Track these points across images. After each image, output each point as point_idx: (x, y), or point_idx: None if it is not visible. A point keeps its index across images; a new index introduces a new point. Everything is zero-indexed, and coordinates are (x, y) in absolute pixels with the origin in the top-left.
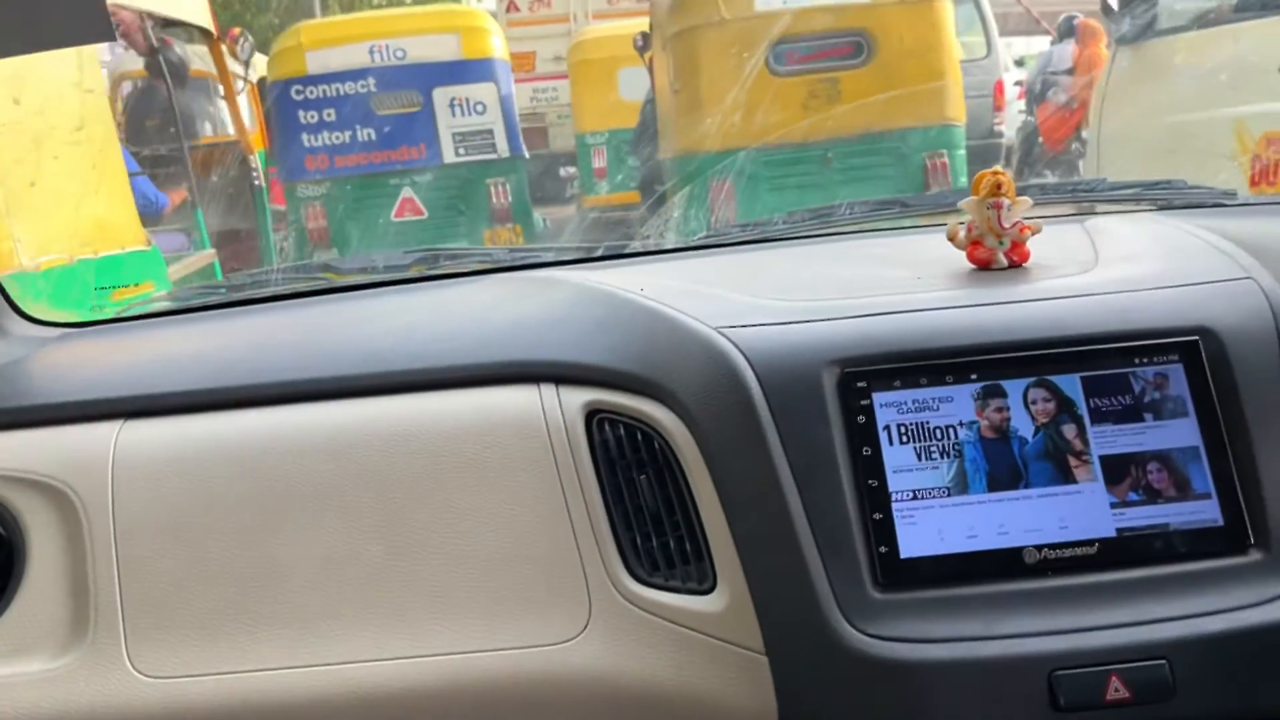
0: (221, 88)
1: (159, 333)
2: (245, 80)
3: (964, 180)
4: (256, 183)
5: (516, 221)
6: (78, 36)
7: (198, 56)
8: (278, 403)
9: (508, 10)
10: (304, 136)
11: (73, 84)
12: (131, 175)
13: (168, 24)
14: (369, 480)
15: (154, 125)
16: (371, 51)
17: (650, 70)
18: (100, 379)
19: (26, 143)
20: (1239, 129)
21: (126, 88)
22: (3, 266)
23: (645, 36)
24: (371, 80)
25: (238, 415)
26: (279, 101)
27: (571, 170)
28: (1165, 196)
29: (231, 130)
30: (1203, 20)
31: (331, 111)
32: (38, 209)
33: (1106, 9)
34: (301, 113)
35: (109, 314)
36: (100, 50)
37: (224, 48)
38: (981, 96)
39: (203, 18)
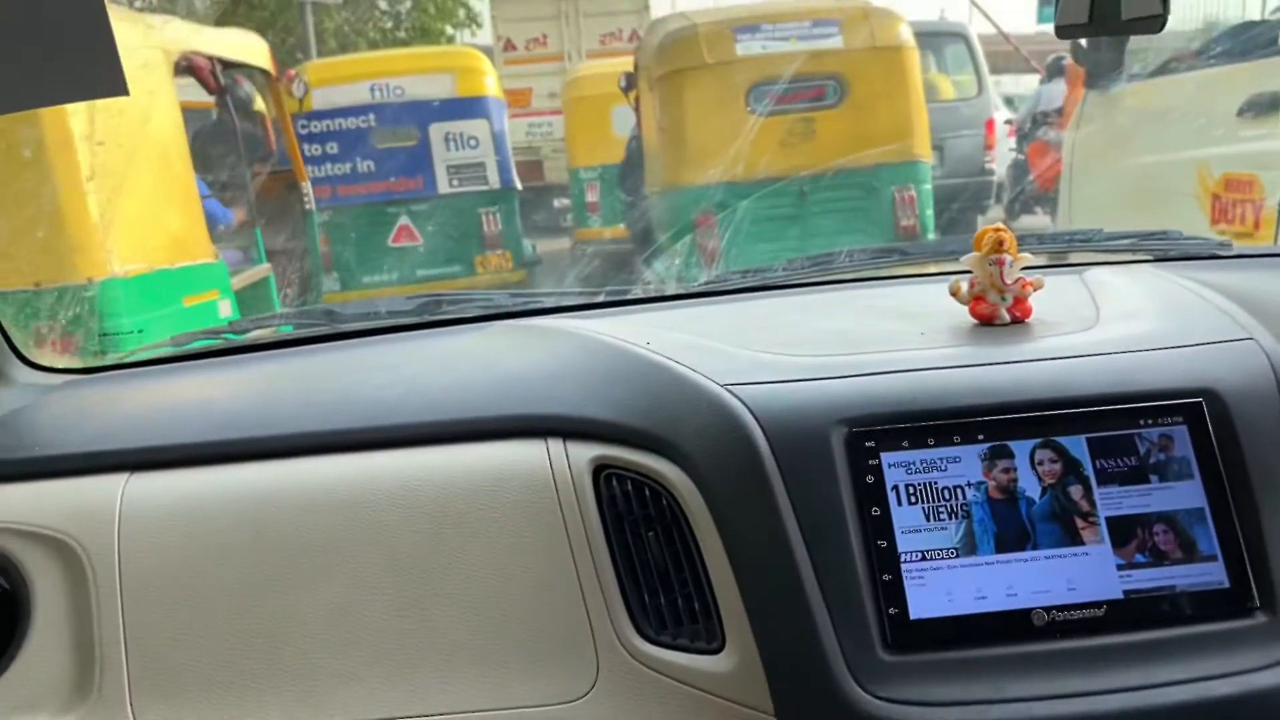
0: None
1: (164, 381)
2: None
3: (929, 212)
4: (307, 206)
5: (506, 248)
6: (93, 91)
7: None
8: (284, 455)
9: (505, 49)
10: (309, 168)
11: (157, 114)
12: (202, 198)
13: (233, 66)
14: (375, 536)
15: (219, 154)
16: (372, 89)
17: (635, 108)
18: (106, 430)
19: (120, 164)
20: (1200, 170)
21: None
22: (99, 272)
23: (629, 76)
24: (372, 116)
25: (244, 468)
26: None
27: (565, 201)
28: (1161, 247)
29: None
30: (1166, 67)
31: (334, 145)
32: (126, 223)
33: (1077, 55)
34: (306, 146)
35: (113, 360)
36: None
37: (281, 87)
38: (973, 135)
39: (264, 61)
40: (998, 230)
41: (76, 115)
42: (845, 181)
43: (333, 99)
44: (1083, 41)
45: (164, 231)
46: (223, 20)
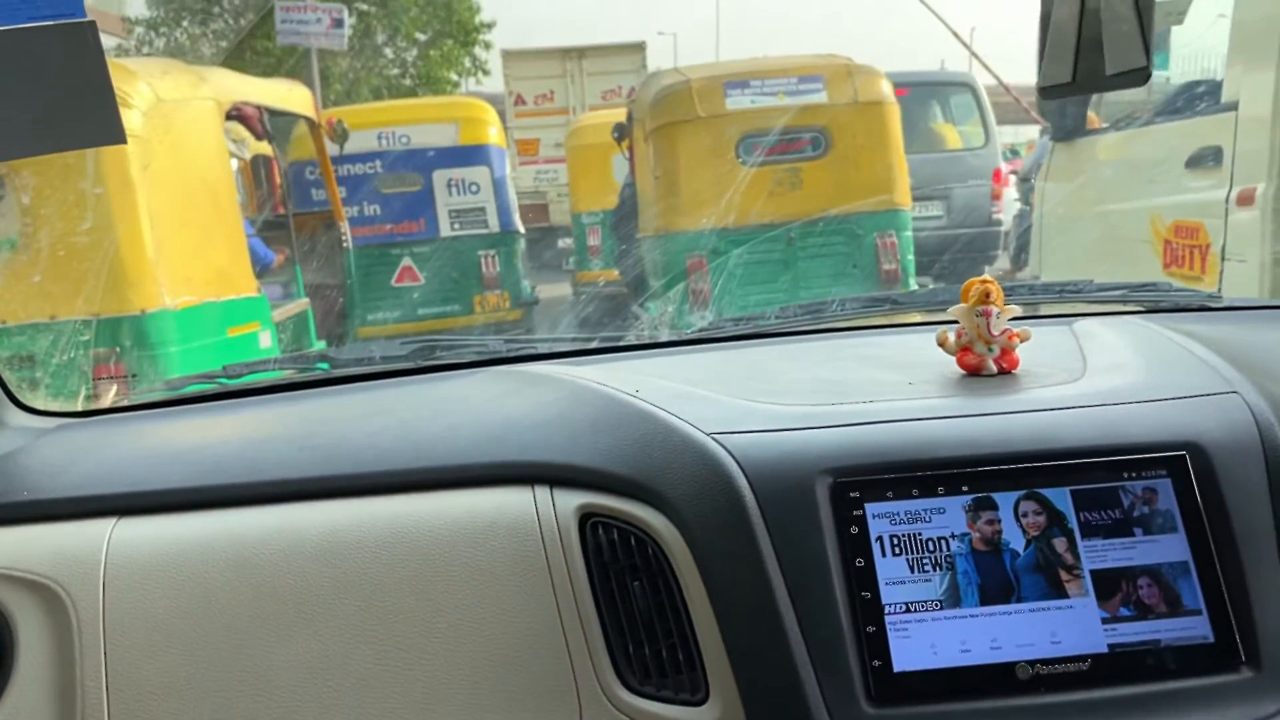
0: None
1: (155, 425)
2: (237, 158)
3: (910, 257)
4: (345, 245)
5: (504, 289)
6: (92, 139)
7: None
8: (273, 501)
9: (516, 103)
10: (315, 210)
11: (208, 158)
12: (247, 237)
13: (280, 114)
14: (362, 583)
15: (262, 195)
16: (379, 137)
17: (629, 157)
18: (95, 474)
19: (173, 204)
20: (1153, 218)
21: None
22: (151, 303)
23: (621, 126)
24: (378, 163)
25: (232, 513)
26: (296, 180)
27: (569, 241)
28: (1151, 299)
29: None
30: (1122, 122)
31: (343, 189)
32: (178, 259)
33: (1043, 110)
34: (314, 190)
35: (105, 404)
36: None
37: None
38: (980, 184)
39: (309, 109)
40: (984, 282)
41: (136, 157)
42: (831, 229)
43: (356, 144)
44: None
45: (211, 267)
46: (228, 65)
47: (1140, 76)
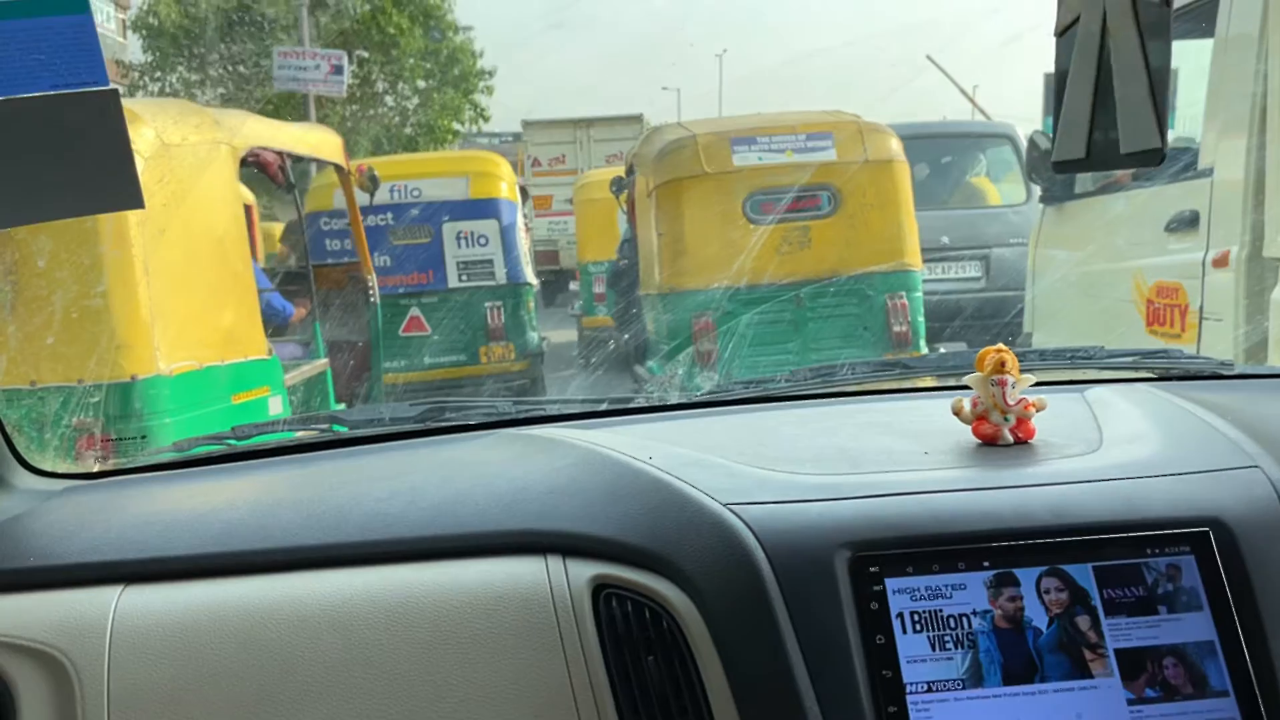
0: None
1: (163, 488)
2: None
3: (920, 319)
4: (372, 300)
5: (509, 340)
6: (110, 204)
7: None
8: (281, 570)
9: (532, 165)
10: (329, 262)
11: (217, 207)
12: (262, 291)
13: (306, 160)
14: (369, 655)
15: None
16: (392, 190)
17: (629, 212)
18: (102, 540)
19: (176, 257)
20: (1137, 279)
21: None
22: (144, 369)
23: (620, 181)
24: (390, 215)
25: (240, 582)
26: (310, 231)
27: (577, 285)
28: (1162, 366)
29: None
30: (1108, 186)
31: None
32: (178, 318)
33: (1032, 174)
34: (328, 241)
35: (113, 466)
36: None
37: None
38: (1021, 243)
39: (338, 156)
40: (999, 350)
41: (134, 212)
42: (841, 289)
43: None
44: (1042, 153)
45: (216, 327)
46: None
47: (1154, 157)
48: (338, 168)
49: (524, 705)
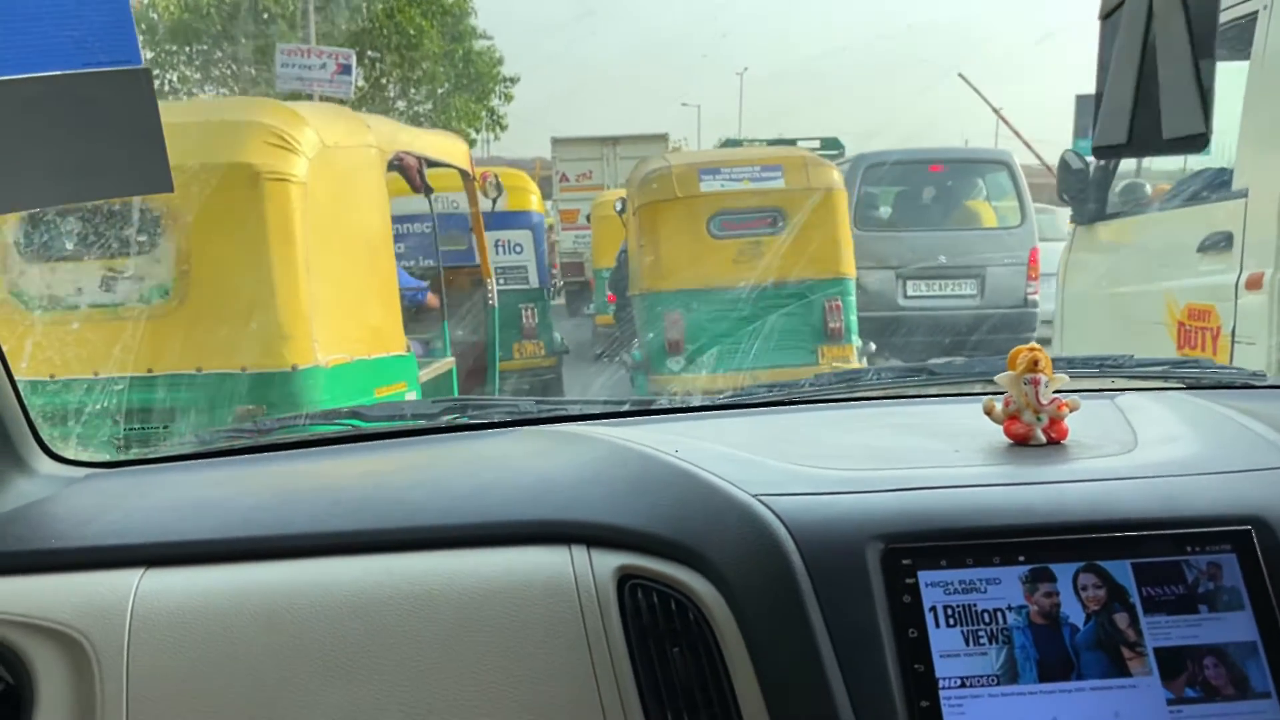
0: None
1: (185, 476)
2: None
3: (853, 318)
4: (491, 303)
5: (540, 338)
6: (141, 187)
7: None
8: (303, 555)
9: (560, 180)
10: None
11: (369, 209)
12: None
13: (438, 165)
14: (393, 641)
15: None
16: (436, 201)
17: (626, 227)
18: (124, 524)
19: (332, 256)
20: (1168, 300)
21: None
22: (304, 360)
23: (623, 201)
24: (435, 224)
25: (262, 567)
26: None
27: None
28: (1194, 375)
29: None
30: (1139, 206)
31: (401, 246)
32: (333, 314)
33: (1061, 192)
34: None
35: (135, 455)
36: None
37: (476, 187)
38: (1015, 263)
39: (464, 161)
40: (1033, 349)
41: (299, 206)
42: (786, 292)
43: (398, 208)
44: (1073, 173)
45: (365, 323)
46: None
47: (1198, 142)
48: (464, 173)
49: (547, 695)
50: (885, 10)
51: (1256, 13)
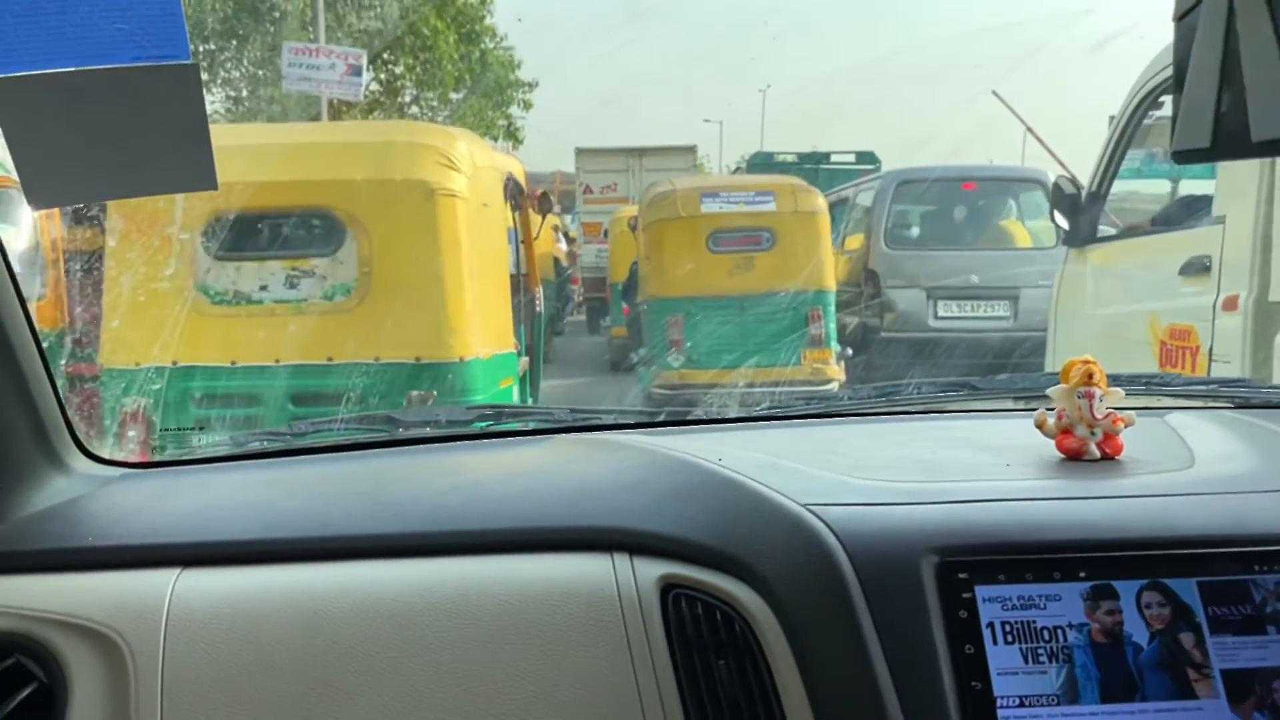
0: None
1: (221, 478)
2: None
3: (832, 325)
4: (538, 309)
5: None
6: (185, 184)
7: None
8: (341, 558)
9: (584, 192)
10: None
11: (497, 219)
12: None
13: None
14: (429, 647)
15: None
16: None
17: (638, 242)
18: (160, 524)
19: (478, 263)
20: (1152, 321)
21: None
22: (468, 353)
23: (635, 219)
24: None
25: (299, 569)
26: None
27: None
28: (1242, 394)
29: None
30: (1127, 230)
31: None
32: (481, 312)
33: (1054, 214)
34: None
35: (170, 456)
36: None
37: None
38: (1050, 285)
39: (521, 176)
40: (1087, 362)
41: (463, 216)
42: (774, 301)
43: None
44: (1065, 197)
45: (496, 322)
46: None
47: None
48: (517, 185)
49: (588, 706)
50: (929, 20)
51: None
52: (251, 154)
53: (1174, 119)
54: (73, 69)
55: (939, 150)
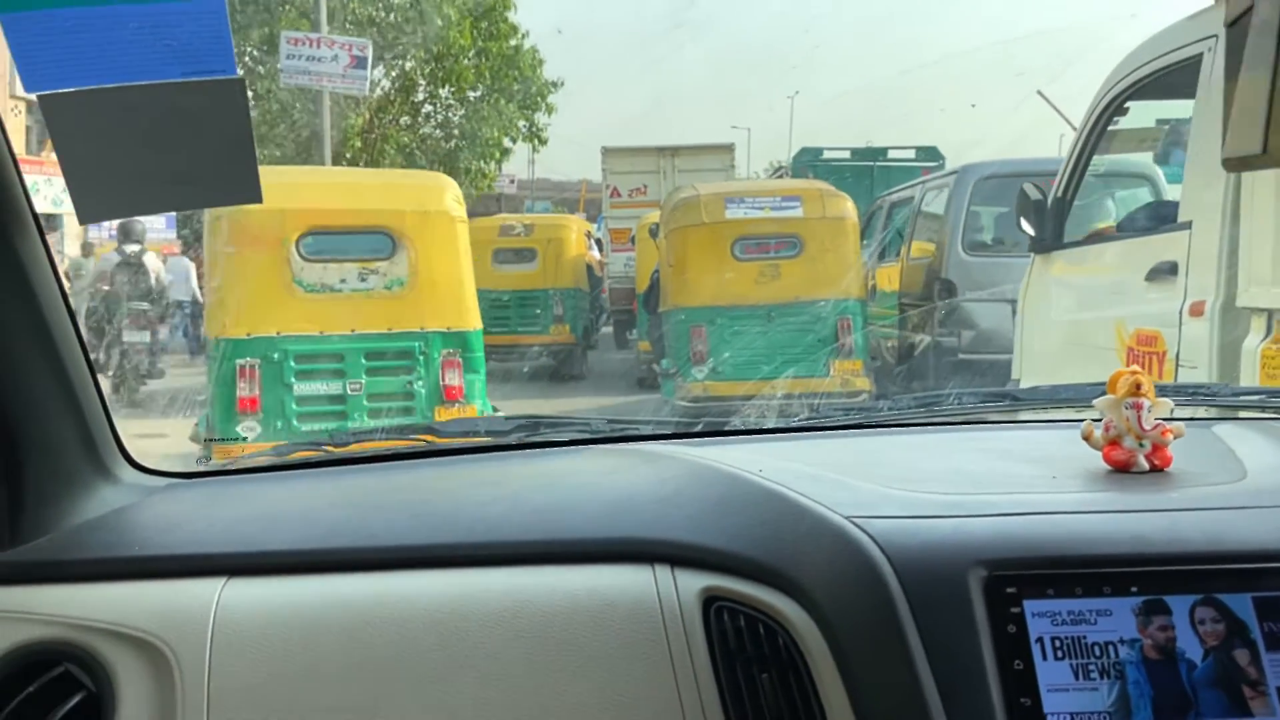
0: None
1: (265, 488)
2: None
3: (862, 335)
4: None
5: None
6: (232, 198)
7: None
8: (384, 568)
9: (611, 195)
10: None
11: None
12: None
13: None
14: (473, 658)
15: None
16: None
17: (659, 250)
18: (206, 534)
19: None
20: (1118, 327)
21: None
22: (474, 325)
23: (657, 227)
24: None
25: (343, 579)
26: None
27: None
28: None
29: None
30: (1093, 236)
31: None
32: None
33: (1020, 222)
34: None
35: (214, 466)
36: None
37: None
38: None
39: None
40: (1134, 373)
41: (465, 237)
42: (801, 310)
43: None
44: (1031, 202)
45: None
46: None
47: None
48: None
49: (631, 718)
50: (968, 29)
51: (1202, 54)
52: (328, 188)
53: (1224, 124)
54: (121, 84)
55: (985, 153)
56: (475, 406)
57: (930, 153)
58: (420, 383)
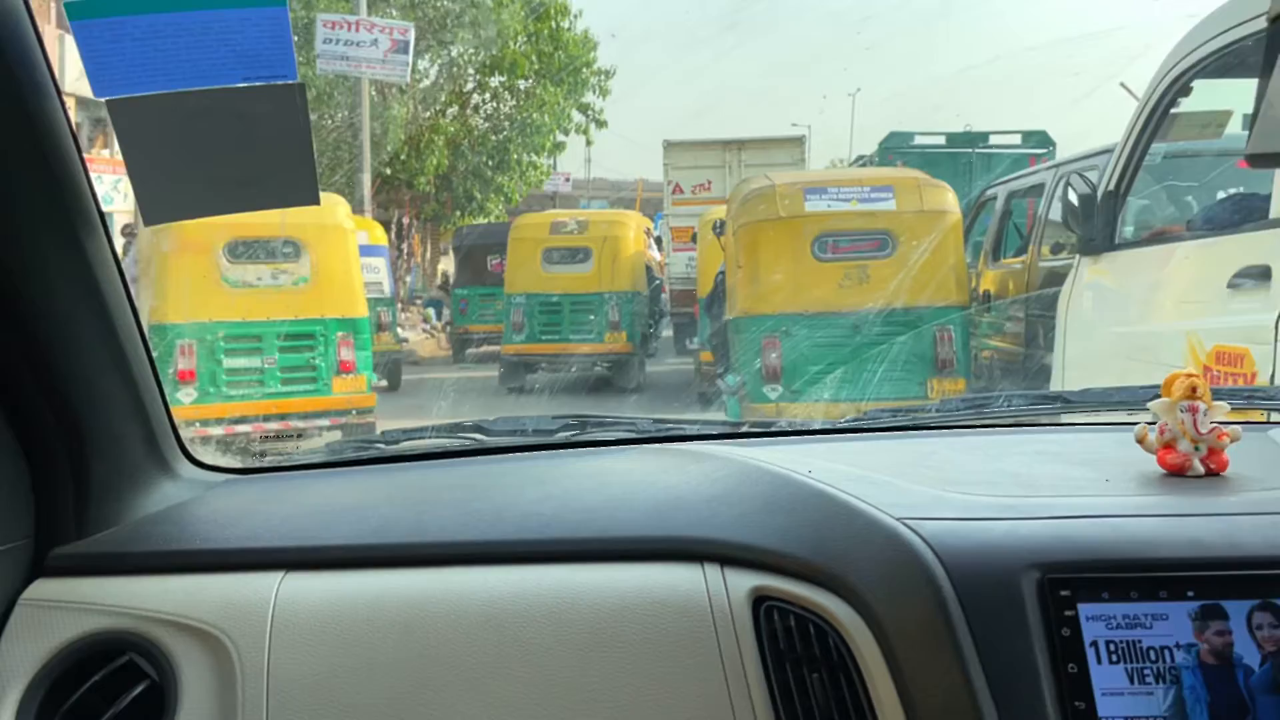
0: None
1: (320, 484)
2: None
3: (964, 347)
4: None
5: (390, 330)
6: (291, 200)
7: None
8: (438, 564)
9: (674, 192)
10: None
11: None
12: None
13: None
14: (524, 653)
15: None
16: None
17: (724, 249)
18: (264, 528)
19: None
20: (1192, 342)
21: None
22: (361, 313)
23: (722, 223)
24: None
25: (398, 574)
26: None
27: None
28: None
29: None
30: (1157, 235)
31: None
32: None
33: (1067, 220)
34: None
35: (270, 463)
36: None
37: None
38: None
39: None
40: (1190, 376)
41: (354, 245)
42: (894, 319)
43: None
44: (1074, 202)
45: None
46: None
47: None
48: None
49: (680, 716)
50: (1025, 27)
51: None
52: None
53: (1251, 123)
54: (186, 89)
55: (1094, 143)
56: (364, 377)
57: (1039, 138)
58: (321, 359)
